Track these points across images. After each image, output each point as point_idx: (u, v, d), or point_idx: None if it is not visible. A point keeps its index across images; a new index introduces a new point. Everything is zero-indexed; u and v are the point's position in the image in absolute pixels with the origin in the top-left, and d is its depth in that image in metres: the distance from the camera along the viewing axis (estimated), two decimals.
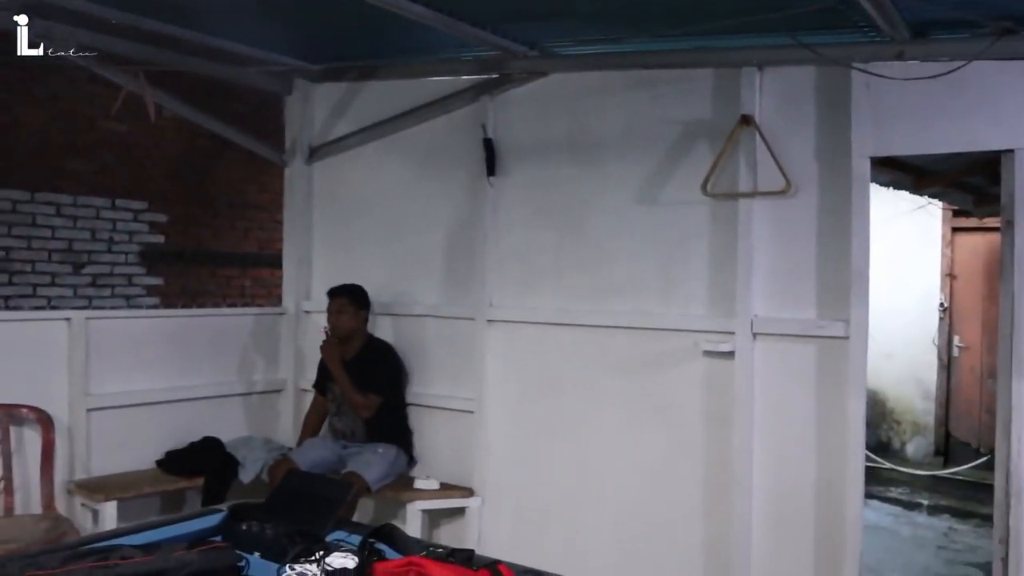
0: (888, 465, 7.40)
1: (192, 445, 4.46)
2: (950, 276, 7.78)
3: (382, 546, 2.10)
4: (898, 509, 6.36)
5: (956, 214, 7.50)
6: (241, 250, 7.19)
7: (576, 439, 4.02)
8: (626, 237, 3.89)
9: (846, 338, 3.26)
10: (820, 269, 3.39)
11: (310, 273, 5.11)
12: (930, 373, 7.80)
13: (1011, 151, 3.00)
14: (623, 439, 3.88)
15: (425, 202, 4.59)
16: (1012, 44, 2.93)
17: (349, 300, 4.36)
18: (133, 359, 4.35)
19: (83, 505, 4.00)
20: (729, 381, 3.54)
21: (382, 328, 4.66)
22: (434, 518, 4.38)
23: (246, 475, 4.38)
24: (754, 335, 3.49)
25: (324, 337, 4.34)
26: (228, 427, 4.68)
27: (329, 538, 2.21)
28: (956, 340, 7.73)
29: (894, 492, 6.84)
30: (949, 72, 2.96)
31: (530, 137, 4.20)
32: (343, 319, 4.33)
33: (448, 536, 4.30)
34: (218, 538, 2.22)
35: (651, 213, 3.82)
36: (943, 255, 7.78)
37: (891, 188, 5.31)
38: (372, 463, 4.13)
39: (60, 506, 3.94)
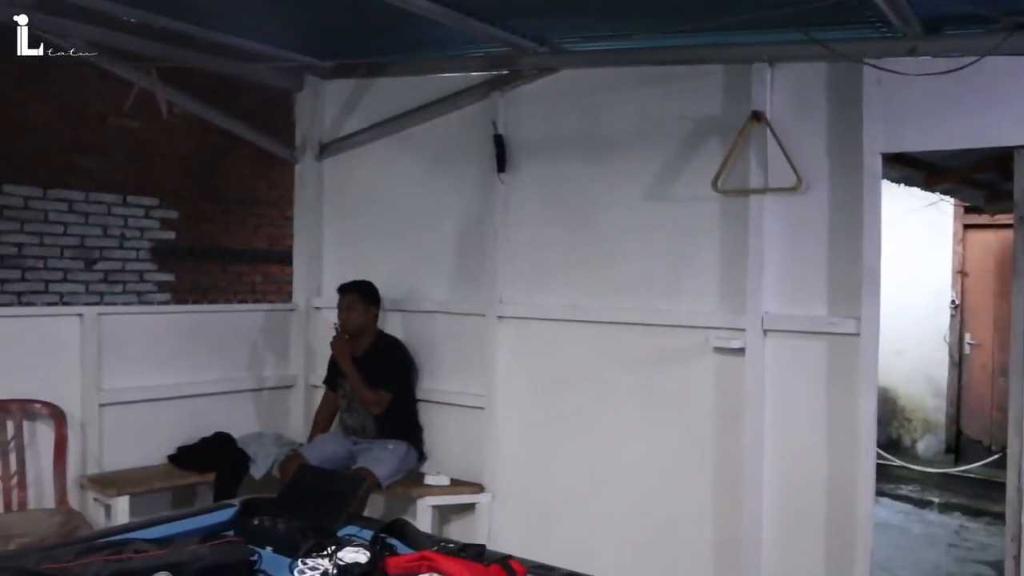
0: (899, 463, 7.37)
1: (203, 440, 4.48)
2: (961, 273, 7.74)
3: (394, 541, 2.11)
4: (909, 507, 6.34)
5: (968, 211, 7.47)
6: (252, 246, 7.21)
7: (586, 435, 4.02)
8: (637, 233, 3.88)
9: (857, 335, 3.24)
10: (831, 266, 3.38)
11: (320, 269, 5.12)
12: (941, 370, 7.77)
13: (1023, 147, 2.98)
14: (633, 435, 3.88)
15: (435, 198, 4.60)
16: None
17: (359, 296, 4.37)
18: (145, 355, 4.37)
19: (95, 500, 4.03)
20: (740, 378, 3.54)
21: (392, 324, 4.67)
22: (444, 514, 4.39)
23: (257, 471, 4.40)
24: (765, 332, 3.48)
25: (334, 333, 4.34)
26: (239, 423, 4.70)
27: (341, 533, 2.23)
28: (967, 337, 7.71)
29: (905, 490, 6.81)
30: (961, 68, 2.94)
31: (540, 133, 4.20)
32: (353, 315, 4.34)
33: (458, 532, 4.31)
34: (230, 533, 2.24)
35: (662, 209, 3.82)
36: (954, 252, 7.75)
37: (902, 185, 5.30)
38: (383, 459, 4.14)
39: (73, 501, 3.96)
